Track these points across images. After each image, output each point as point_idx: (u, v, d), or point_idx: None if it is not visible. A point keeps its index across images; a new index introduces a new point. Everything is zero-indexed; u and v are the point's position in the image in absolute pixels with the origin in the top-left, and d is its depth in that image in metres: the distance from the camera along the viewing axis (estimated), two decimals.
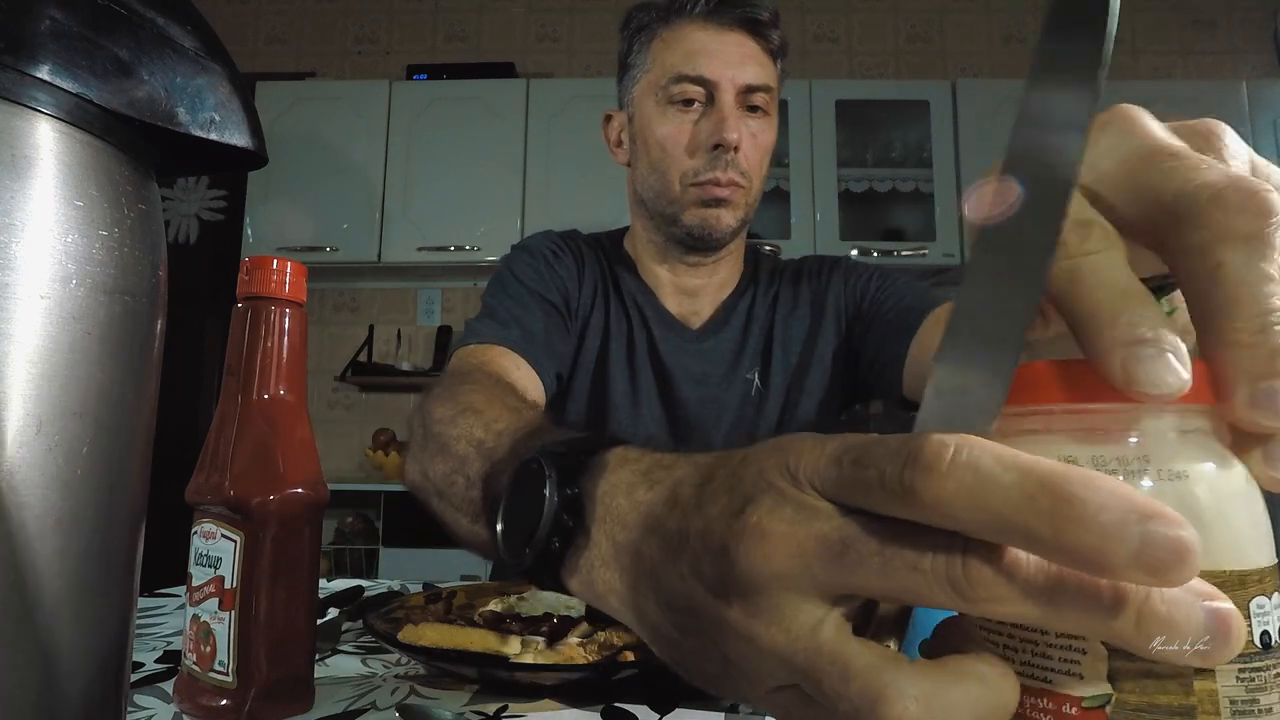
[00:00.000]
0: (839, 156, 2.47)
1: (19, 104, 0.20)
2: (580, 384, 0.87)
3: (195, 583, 0.36)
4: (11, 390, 0.19)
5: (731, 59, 0.80)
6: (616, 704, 0.38)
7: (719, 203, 0.81)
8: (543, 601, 0.54)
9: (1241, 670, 0.19)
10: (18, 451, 0.19)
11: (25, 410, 0.20)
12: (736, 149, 0.79)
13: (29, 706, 0.20)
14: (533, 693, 0.39)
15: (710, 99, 0.80)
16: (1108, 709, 0.20)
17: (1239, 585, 0.20)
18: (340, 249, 2.46)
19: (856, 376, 0.88)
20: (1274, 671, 0.20)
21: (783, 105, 2.53)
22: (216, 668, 0.35)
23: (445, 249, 2.43)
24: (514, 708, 0.37)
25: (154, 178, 0.24)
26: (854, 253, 2.41)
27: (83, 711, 0.22)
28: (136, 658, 0.46)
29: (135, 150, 0.23)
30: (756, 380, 0.87)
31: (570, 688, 0.39)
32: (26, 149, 0.20)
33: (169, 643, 0.50)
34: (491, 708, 0.37)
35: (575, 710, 0.37)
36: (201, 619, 0.35)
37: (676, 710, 0.37)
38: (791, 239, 2.40)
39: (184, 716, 0.36)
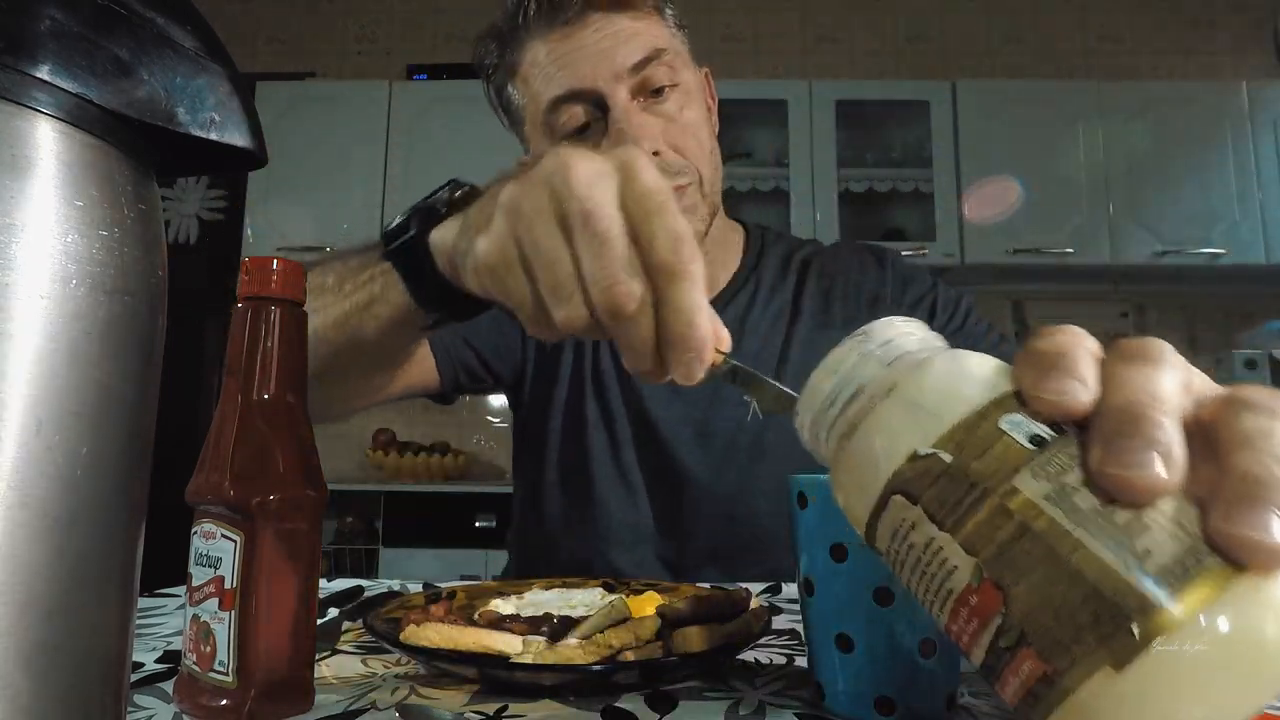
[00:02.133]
0: (839, 156, 2.47)
1: (19, 104, 0.20)
2: (557, 402, 0.78)
3: (195, 583, 0.36)
4: (11, 390, 0.19)
5: (597, 51, 0.64)
6: (616, 704, 0.38)
7: None
8: (543, 603, 0.54)
9: (1035, 471, 0.21)
10: (18, 451, 0.19)
11: (25, 410, 0.20)
12: (656, 153, 0.64)
13: (29, 706, 0.20)
14: (533, 693, 0.39)
15: (601, 108, 0.65)
16: (986, 574, 0.22)
17: (981, 421, 0.23)
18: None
19: None
20: (1063, 455, 0.22)
21: (782, 105, 2.54)
22: (216, 668, 0.35)
23: None
24: (514, 708, 0.37)
25: (154, 178, 0.24)
26: None
27: (83, 711, 0.22)
28: (136, 658, 0.46)
29: (135, 150, 0.23)
30: (756, 407, 0.76)
31: (570, 688, 0.39)
32: (26, 149, 0.20)
33: (169, 643, 0.50)
34: (491, 708, 0.37)
35: (575, 710, 0.37)
36: (201, 619, 0.35)
37: (676, 710, 0.37)
38: None
39: (184, 716, 0.36)
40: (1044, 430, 0.22)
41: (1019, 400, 0.23)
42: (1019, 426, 0.22)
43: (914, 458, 0.23)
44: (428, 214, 0.44)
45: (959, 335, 0.74)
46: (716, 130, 0.73)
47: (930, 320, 0.80)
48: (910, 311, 0.75)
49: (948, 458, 0.23)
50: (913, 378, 0.25)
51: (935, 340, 0.27)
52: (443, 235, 0.42)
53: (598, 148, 0.66)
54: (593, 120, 0.66)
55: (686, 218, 0.72)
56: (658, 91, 0.66)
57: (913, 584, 0.25)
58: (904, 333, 0.27)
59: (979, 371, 0.24)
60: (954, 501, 0.22)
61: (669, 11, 0.70)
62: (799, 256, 0.79)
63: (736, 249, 0.80)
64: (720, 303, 0.76)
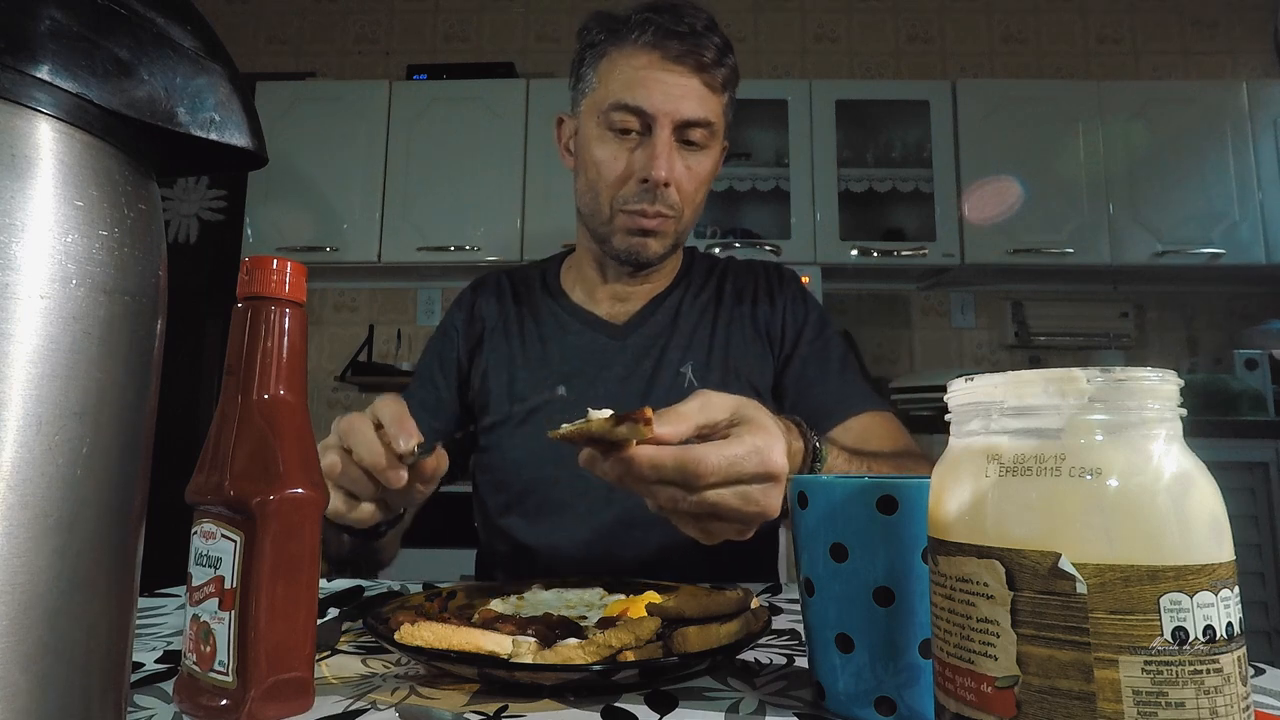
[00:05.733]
0: (839, 156, 2.47)
1: (19, 104, 0.20)
2: (513, 416, 0.90)
3: (195, 583, 0.36)
4: (11, 390, 0.19)
5: (672, 93, 0.81)
6: (616, 704, 0.38)
7: (646, 233, 0.84)
8: (542, 602, 0.54)
9: (1148, 663, 0.20)
10: (18, 451, 0.19)
11: (25, 410, 0.20)
12: (667, 185, 0.81)
13: (29, 706, 0.20)
14: (533, 693, 0.39)
15: (648, 129, 0.82)
16: (1016, 690, 0.22)
17: (1148, 580, 0.21)
18: (340, 249, 2.46)
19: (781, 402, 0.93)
20: (1189, 668, 0.20)
21: (782, 105, 2.54)
22: (216, 668, 0.35)
23: (445, 249, 2.43)
24: (514, 708, 0.37)
25: (154, 178, 0.24)
26: (854, 253, 2.41)
27: (83, 711, 0.22)
28: (136, 658, 0.46)
29: (135, 150, 0.23)
30: (690, 375, 0.90)
31: (570, 688, 0.39)
32: (26, 149, 0.20)
33: (169, 643, 0.50)
34: (491, 708, 0.37)
35: (575, 710, 0.37)
36: (201, 619, 0.35)
37: (676, 710, 0.37)
38: (792, 239, 2.40)
39: (184, 716, 0.36)
40: (1198, 631, 0.20)
41: (1194, 581, 0.21)
42: (1180, 613, 0.20)
43: (1053, 558, 0.21)
44: None
45: (810, 356, 0.91)
46: (709, 189, 0.92)
47: (797, 338, 0.90)
48: (783, 319, 0.93)
49: (1081, 588, 0.21)
50: (1125, 482, 0.22)
51: (1189, 460, 0.23)
52: None
53: (633, 152, 0.83)
54: (638, 132, 0.83)
55: (657, 238, 0.85)
56: (690, 143, 0.84)
57: (939, 608, 0.25)
58: (1156, 419, 0.23)
59: (1196, 524, 0.21)
60: (1048, 624, 0.21)
61: (729, 93, 0.87)
62: (718, 268, 1.01)
63: (677, 263, 1.00)
64: (663, 297, 0.96)
